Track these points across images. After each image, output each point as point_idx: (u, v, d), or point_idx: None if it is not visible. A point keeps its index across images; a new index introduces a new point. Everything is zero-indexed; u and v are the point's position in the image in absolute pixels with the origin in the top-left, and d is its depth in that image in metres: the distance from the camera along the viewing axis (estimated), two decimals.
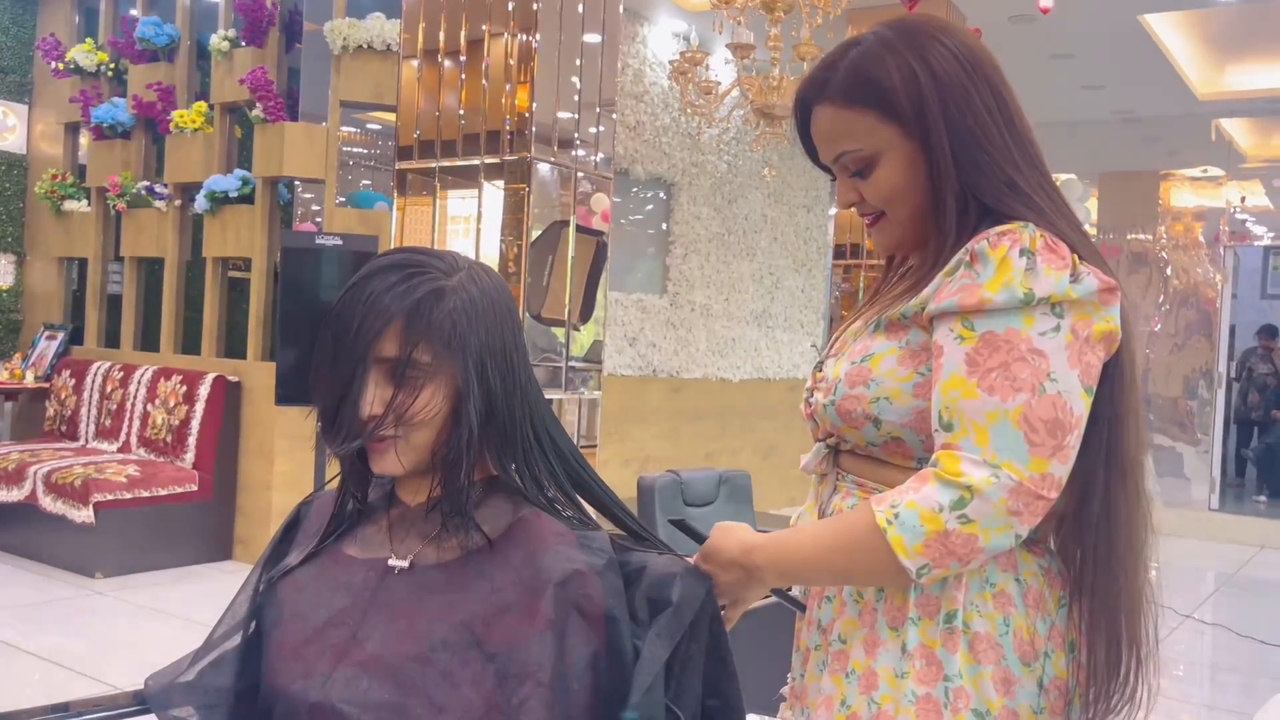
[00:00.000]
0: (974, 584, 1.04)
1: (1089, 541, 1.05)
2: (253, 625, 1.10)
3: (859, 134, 1.07)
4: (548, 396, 3.90)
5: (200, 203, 5.11)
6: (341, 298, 1.03)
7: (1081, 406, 0.97)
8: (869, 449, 1.09)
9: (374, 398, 1.00)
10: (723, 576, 1.06)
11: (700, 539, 1.11)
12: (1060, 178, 8.03)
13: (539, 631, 0.99)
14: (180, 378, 4.99)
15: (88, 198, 5.88)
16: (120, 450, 5.15)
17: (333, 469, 1.13)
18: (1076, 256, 0.99)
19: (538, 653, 0.98)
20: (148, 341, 5.62)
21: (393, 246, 4.17)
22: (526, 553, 1.03)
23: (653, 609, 1.02)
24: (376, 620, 1.02)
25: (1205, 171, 7.95)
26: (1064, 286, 0.96)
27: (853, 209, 1.14)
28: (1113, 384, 1.03)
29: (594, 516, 1.12)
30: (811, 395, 1.16)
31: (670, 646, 1.01)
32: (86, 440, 5.38)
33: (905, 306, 1.05)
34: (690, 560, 1.08)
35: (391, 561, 1.06)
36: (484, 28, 3.86)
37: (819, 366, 1.18)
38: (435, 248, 1.11)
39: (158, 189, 5.45)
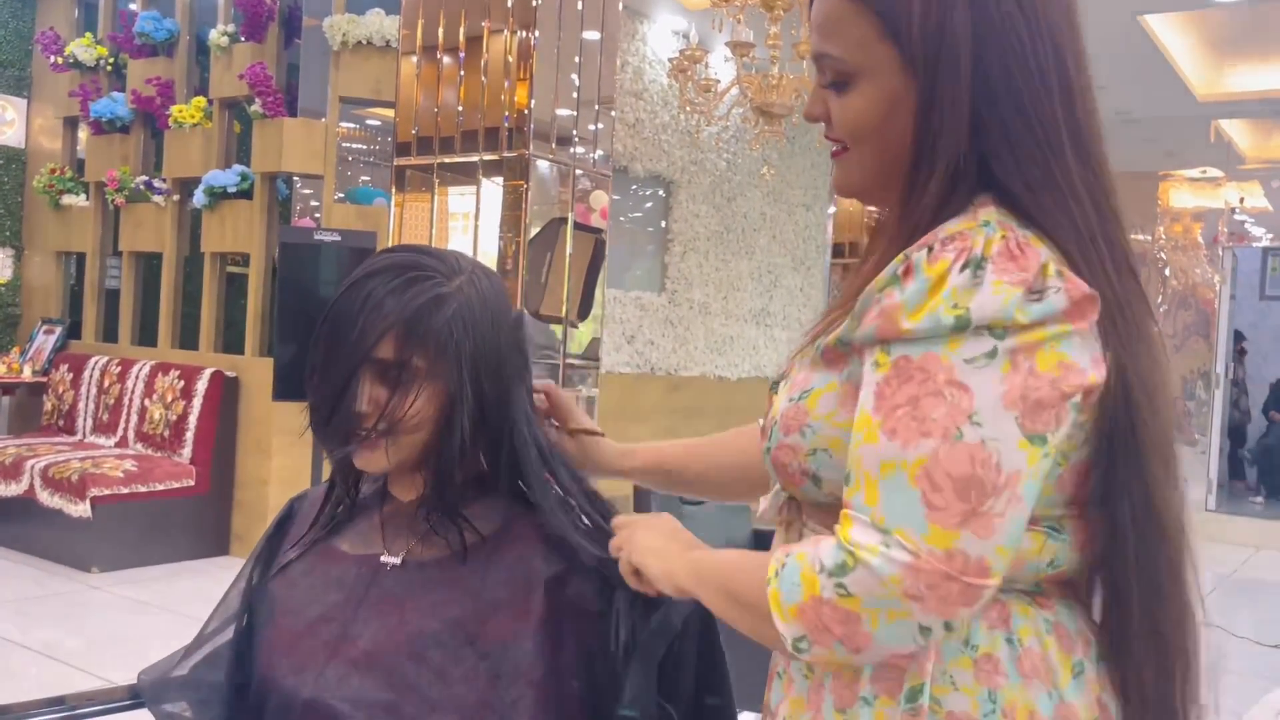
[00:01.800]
0: (948, 648, 0.79)
1: (1134, 654, 0.82)
2: (245, 620, 1.10)
3: (846, 40, 0.83)
4: None
5: (199, 198, 5.11)
6: (340, 295, 1.02)
7: (1018, 461, 0.72)
8: (828, 501, 0.84)
9: (362, 396, 1.00)
10: (644, 559, 0.93)
11: None
12: None
13: (531, 630, 0.99)
14: (178, 373, 4.99)
15: (86, 192, 5.87)
16: (117, 445, 5.15)
17: (329, 465, 1.13)
18: (1051, 265, 0.75)
19: (530, 651, 0.98)
20: (145, 336, 5.62)
21: (390, 243, 4.18)
22: (519, 551, 1.04)
23: (646, 608, 1.02)
24: (369, 616, 1.02)
25: (1204, 172, 7.96)
26: (1012, 308, 0.72)
27: (817, 125, 0.90)
28: (1113, 425, 0.78)
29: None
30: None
31: (664, 645, 1.01)
32: (84, 435, 5.37)
33: (842, 329, 0.81)
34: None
35: (384, 558, 1.06)
36: (483, 24, 3.86)
37: (774, 387, 0.94)
38: (435, 246, 1.09)
39: (156, 184, 5.45)
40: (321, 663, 1.01)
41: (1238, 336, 9.49)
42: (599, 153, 4.06)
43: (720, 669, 1.07)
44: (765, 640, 0.80)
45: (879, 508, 0.73)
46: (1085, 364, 0.75)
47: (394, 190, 4.15)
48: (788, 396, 0.87)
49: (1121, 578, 0.82)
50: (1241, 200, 8.20)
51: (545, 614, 0.99)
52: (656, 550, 0.93)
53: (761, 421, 0.96)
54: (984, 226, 0.76)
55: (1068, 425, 0.74)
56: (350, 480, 1.11)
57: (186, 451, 4.84)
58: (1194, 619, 0.84)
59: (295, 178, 5.10)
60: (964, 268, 0.74)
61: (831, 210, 7.63)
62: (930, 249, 0.76)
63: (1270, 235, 8.51)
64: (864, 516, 0.73)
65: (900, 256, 0.77)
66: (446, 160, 3.96)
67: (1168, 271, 8.02)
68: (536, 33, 3.74)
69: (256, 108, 4.88)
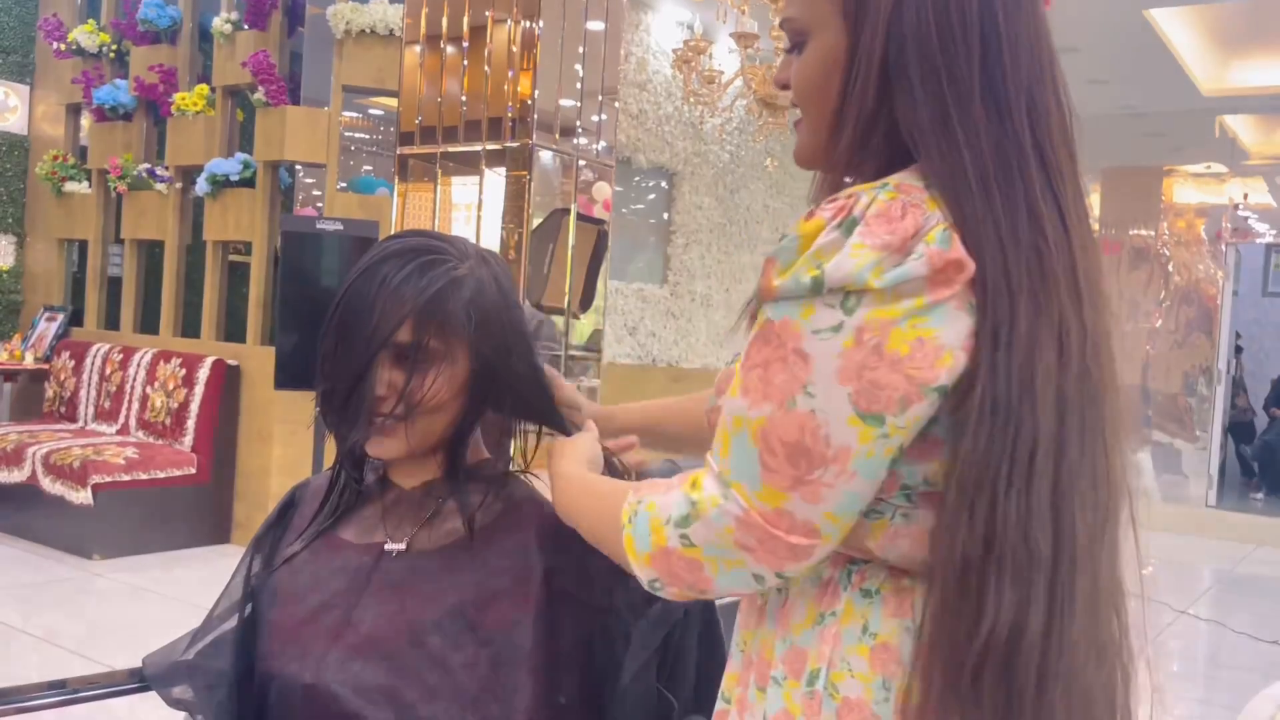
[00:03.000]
0: (847, 633, 0.78)
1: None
2: (249, 607, 1.10)
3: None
4: None
5: (201, 186, 5.11)
6: (353, 281, 1.02)
7: (848, 437, 0.71)
8: None
9: (379, 380, 1.00)
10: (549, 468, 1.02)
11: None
12: None
13: (531, 616, 0.99)
14: (180, 361, 4.99)
15: (89, 179, 5.87)
16: (119, 432, 5.15)
17: (331, 454, 1.13)
18: (936, 231, 0.71)
19: (530, 637, 0.98)
20: (147, 324, 5.62)
21: (393, 231, 4.17)
22: (520, 537, 1.04)
23: (647, 595, 1.03)
24: (370, 603, 1.03)
25: (1208, 168, 7.94)
26: (866, 271, 0.70)
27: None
28: (965, 415, 0.72)
29: None
30: None
31: (662, 633, 1.02)
32: (85, 422, 5.38)
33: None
34: None
35: (387, 546, 1.06)
36: (487, 13, 3.85)
37: None
38: (441, 232, 1.10)
39: (159, 171, 5.44)
40: (323, 649, 1.01)
41: (1234, 336, 9.50)
42: (602, 144, 4.05)
43: (721, 658, 1.07)
44: (626, 566, 0.83)
45: (726, 461, 0.75)
46: (950, 341, 0.71)
47: (396, 180, 4.15)
48: (729, 359, 0.89)
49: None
50: (1245, 196, 8.18)
51: (544, 602, 1.00)
52: (561, 475, 0.98)
53: None
54: (879, 188, 0.74)
55: (923, 407, 0.71)
56: (358, 466, 1.11)
57: (188, 439, 4.85)
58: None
59: (298, 166, 5.09)
60: (837, 227, 0.73)
61: None
62: (822, 205, 0.75)
63: (1274, 232, 8.50)
64: (715, 466, 0.76)
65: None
66: (449, 150, 3.96)
67: (1170, 267, 8.01)
68: (540, 22, 3.73)
69: (259, 96, 4.87)
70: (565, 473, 0.98)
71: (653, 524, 0.78)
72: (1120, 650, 0.80)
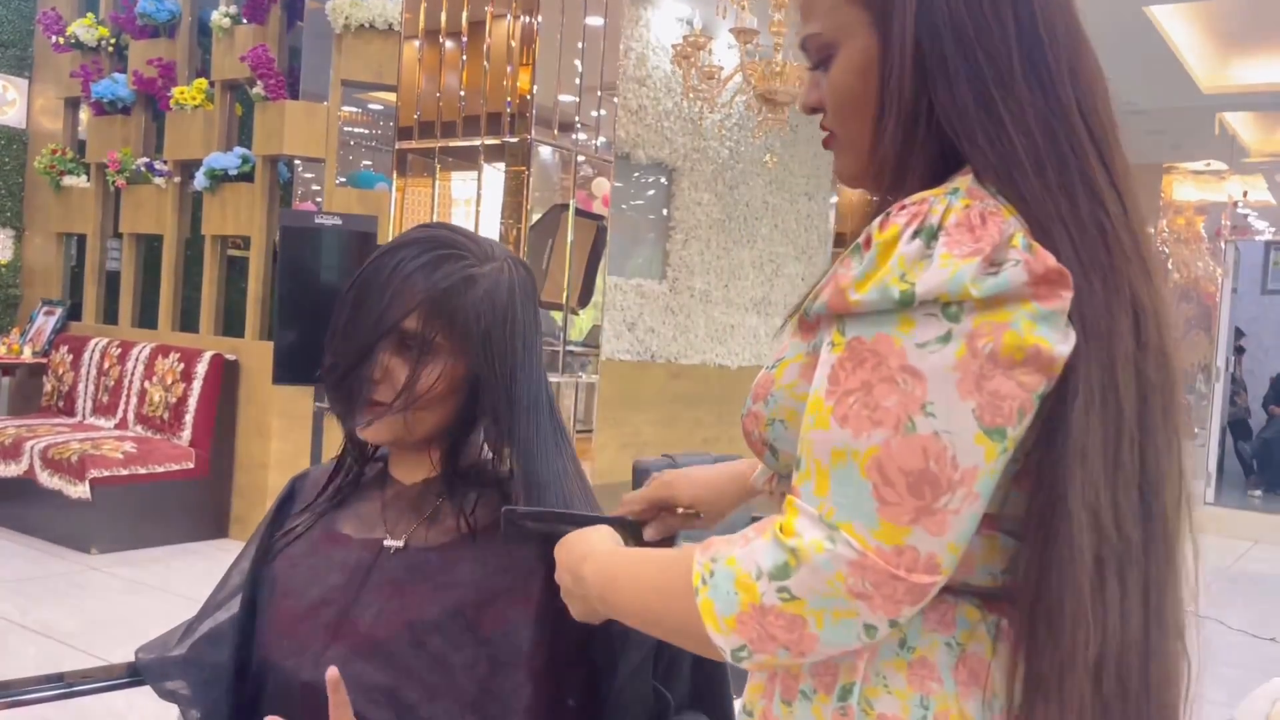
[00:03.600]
0: (883, 647, 0.74)
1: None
2: (246, 599, 1.10)
3: (822, 12, 0.80)
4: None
5: (200, 180, 5.10)
6: (371, 263, 1.01)
7: (976, 457, 0.66)
8: (788, 475, 0.77)
9: (379, 364, 1.00)
10: (562, 577, 0.88)
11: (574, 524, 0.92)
12: None
13: (531, 616, 0.99)
14: (178, 355, 4.99)
15: (87, 173, 5.86)
16: (117, 427, 5.15)
17: (328, 449, 1.13)
18: (1019, 236, 0.68)
19: (529, 638, 0.98)
20: (146, 319, 5.61)
21: (392, 228, 4.17)
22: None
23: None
24: (370, 600, 1.02)
25: (1208, 165, 7.93)
26: (962, 281, 0.66)
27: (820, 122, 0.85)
28: (1059, 424, 0.69)
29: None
30: None
31: None
32: (83, 416, 5.38)
33: (810, 300, 0.77)
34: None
35: (386, 542, 1.06)
36: (486, 9, 3.84)
37: None
38: (472, 231, 1.09)
39: (157, 166, 5.44)
40: (322, 645, 1.01)
41: (1236, 334, 9.50)
42: (601, 139, 4.05)
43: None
44: (696, 648, 0.73)
45: (828, 500, 0.68)
46: (1062, 351, 0.68)
47: (395, 175, 4.14)
48: (767, 363, 0.83)
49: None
50: (1245, 194, 8.17)
51: (544, 602, 0.99)
52: (566, 592, 0.88)
53: None
54: (950, 195, 0.70)
55: (1030, 417, 0.68)
56: (363, 450, 1.11)
57: (186, 434, 4.85)
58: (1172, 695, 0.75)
59: (296, 161, 5.08)
60: (915, 235, 0.68)
61: (834, 199, 7.62)
62: (889, 213, 0.71)
63: (1273, 229, 8.49)
64: (811, 508, 0.68)
65: (868, 226, 0.72)
66: (448, 145, 3.95)
67: (1170, 264, 8.01)
68: (539, 18, 3.73)
69: (258, 90, 4.87)
70: (597, 550, 0.85)
71: (739, 581, 0.68)
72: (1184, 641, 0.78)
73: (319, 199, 4.96)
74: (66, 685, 1.13)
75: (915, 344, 0.66)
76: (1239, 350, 9.55)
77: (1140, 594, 0.72)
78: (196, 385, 4.85)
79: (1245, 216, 8.46)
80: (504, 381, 1.01)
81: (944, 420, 0.66)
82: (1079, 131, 0.74)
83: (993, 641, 0.74)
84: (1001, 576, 0.74)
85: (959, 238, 0.67)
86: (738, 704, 0.92)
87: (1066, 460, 0.69)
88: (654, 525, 1.01)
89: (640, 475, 3.20)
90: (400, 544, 1.05)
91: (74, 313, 5.89)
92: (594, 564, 0.84)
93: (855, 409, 0.67)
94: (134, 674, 1.12)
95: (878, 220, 0.71)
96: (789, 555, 0.67)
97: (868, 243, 0.71)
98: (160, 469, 4.68)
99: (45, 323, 5.83)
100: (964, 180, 0.72)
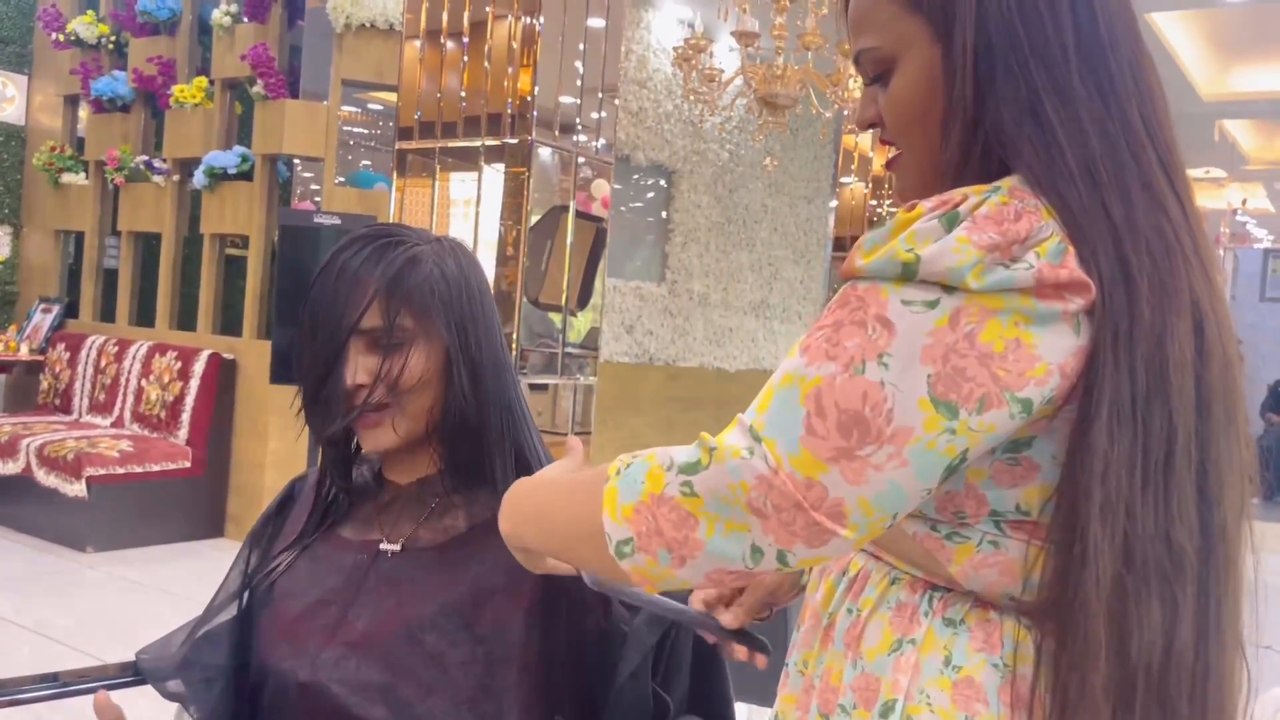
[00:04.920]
0: (927, 664, 0.73)
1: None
2: (245, 602, 1.09)
3: (879, 24, 0.78)
4: (544, 381, 3.91)
5: (199, 178, 5.09)
6: (317, 275, 1.02)
7: (913, 419, 0.64)
8: None
9: (357, 368, 0.99)
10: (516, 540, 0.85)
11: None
12: None
13: (526, 613, 0.99)
14: (175, 354, 4.98)
15: (86, 171, 5.85)
16: (114, 425, 5.14)
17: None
18: (1052, 242, 0.67)
19: (525, 635, 0.98)
20: (143, 317, 5.60)
21: None
22: None
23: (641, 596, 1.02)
24: (367, 600, 1.02)
25: (1207, 173, 7.95)
26: (966, 271, 0.65)
27: (876, 138, 0.85)
28: (1079, 440, 0.68)
29: None
30: None
31: (659, 632, 1.01)
32: (80, 414, 5.36)
33: None
34: None
35: (383, 544, 1.06)
36: (488, 9, 3.84)
37: None
38: (408, 225, 1.10)
39: (156, 164, 5.43)
40: (319, 645, 1.00)
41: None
42: (601, 141, 4.05)
43: (717, 658, 1.07)
44: (578, 544, 0.73)
45: (764, 415, 0.67)
46: (1048, 356, 0.66)
47: (395, 175, 4.14)
48: None
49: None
50: (1244, 201, 8.18)
51: (538, 599, 0.99)
52: (531, 478, 0.86)
53: None
54: (990, 191, 0.68)
55: (1000, 416, 0.65)
56: (342, 471, 1.10)
57: (183, 433, 4.84)
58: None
59: (296, 160, 5.08)
60: (937, 217, 0.67)
61: (833, 203, 7.62)
62: (917, 202, 0.70)
63: (1272, 237, 8.51)
64: (747, 419, 0.68)
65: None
66: (449, 145, 3.95)
67: None
68: (541, 19, 3.72)
69: (258, 89, 4.86)
70: (533, 476, 0.86)
71: (651, 471, 0.68)
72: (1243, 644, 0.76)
73: (318, 198, 4.95)
74: (61, 685, 1.12)
75: (901, 300, 0.66)
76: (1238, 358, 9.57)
77: (1195, 606, 0.70)
78: (194, 384, 4.84)
79: (1244, 224, 8.47)
80: (474, 342, 1.02)
81: (895, 374, 0.64)
82: (1140, 138, 0.73)
83: (1038, 664, 0.71)
84: (1043, 589, 0.72)
85: (984, 226, 0.66)
86: (743, 708, 0.91)
87: (1086, 479, 0.67)
88: (732, 611, 0.94)
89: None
90: (397, 546, 1.05)
91: (71, 310, 5.89)
92: (519, 484, 0.84)
93: (818, 341, 0.67)
94: (129, 674, 1.11)
95: (909, 203, 0.70)
96: (704, 453, 0.66)
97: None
98: (156, 468, 4.67)
99: (42, 320, 5.82)
100: (1009, 180, 0.71)
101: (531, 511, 0.81)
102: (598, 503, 0.69)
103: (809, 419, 0.65)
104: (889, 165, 0.82)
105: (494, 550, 1.02)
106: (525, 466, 1.05)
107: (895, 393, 0.64)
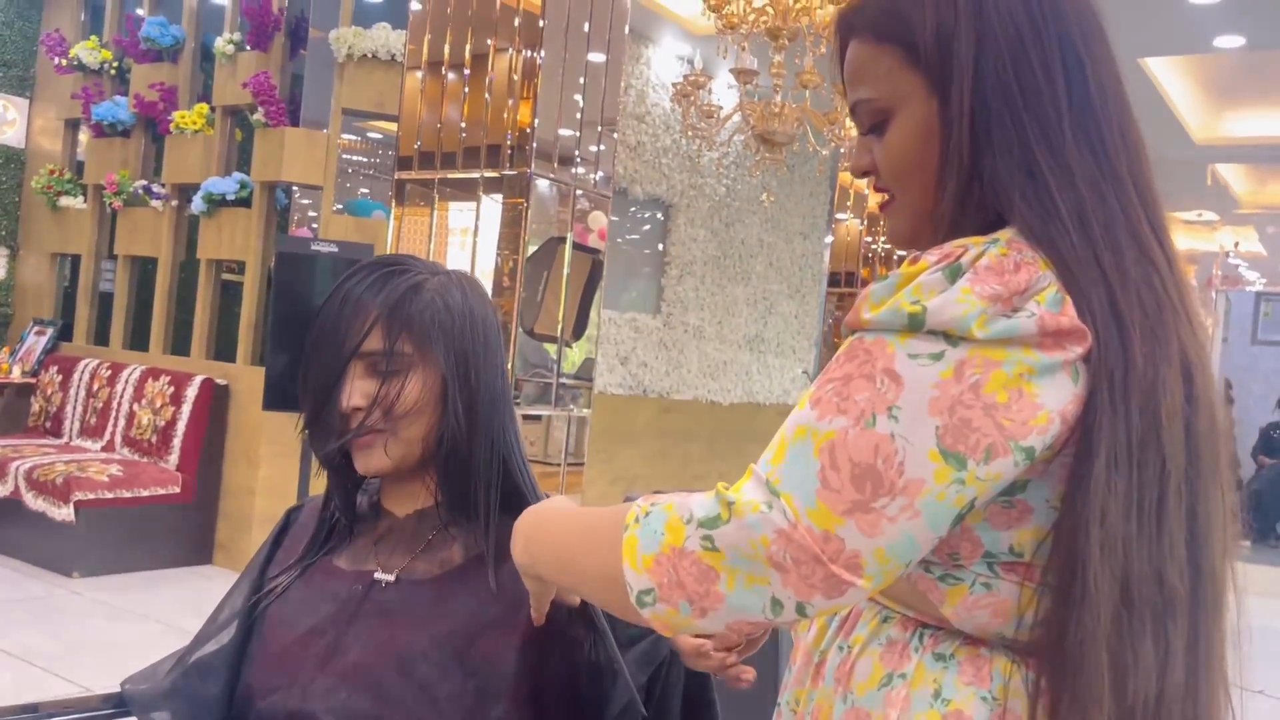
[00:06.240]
0: (917, 698, 0.75)
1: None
2: (237, 631, 1.08)
3: (877, 77, 0.81)
4: (537, 412, 3.91)
5: (197, 204, 5.11)
6: (322, 306, 1.03)
7: (924, 471, 0.66)
8: None
9: (354, 391, 1.00)
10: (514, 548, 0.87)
11: None
12: None
13: (519, 646, 0.98)
14: (168, 378, 4.96)
15: (84, 194, 5.86)
16: (104, 449, 5.11)
17: (318, 480, 1.12)
18: (1049, 292, 0.70)
19: (516, 668, 0.97)
20: (137, 341, 5.59)
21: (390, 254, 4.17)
22: (510, 567, 1.03)
23: (634, 632, 1.01)
24: (360, 631, 1.01)
25: (1200, 215, 8.01)
26: (971, 320, 0.67)
27: (869, 185, 0.86)
28: (1078, 483, 0.70)
29: None
30: None
31: (649, 670, 1.00)
32: (70, 438, 5.34)
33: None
34: None
35: (378, 575, 1.05)
36: (489, 42, 3.87)
37: None
38: (419, 257, 1.11)
39: (155, 189, 5.44)
40: (310, 675, 1.00)
41: (1225, 384, 9.54)
42: (600, 174, 4.07)
43: (708, 694, 1.06)
44: (600, 591, 0.75)
45: (779, 468, 0.68)
46: (1050, 404, 0.68)
47: (393, 204, 4.16)
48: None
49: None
50: (1236, 244, 8.24)
51: (532, 634, 0.98)
52: (539, 509, 0.87)
53: None
54: (990, 243, 0.71)
55: (1006, 464, 0.68)
56: (347, 495, 1.10)
57: (173, 458, 4.81)
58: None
59: (294, 187, 5.10)
60: (941, 270, 0.70)
61: (829, 239, 7.66)
62: (920, 254, 0.73)
63: (1263, 280, 8.56)
64: (762, 471, 0.69)
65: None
66: (448, 176, 3.97)
67: None
68: (542, 52, 3.75)
69: (259, 116, 4.89)
70: (539, 505, 0.87)
71: (670, 523, 0.69)
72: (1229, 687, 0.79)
73: (315, 225, 4.97)
74: (43, 716, 1.11)
75: (908, 353, 0.68)
76: (1228, 401, 9.58)
77: (1185, 643, 0.73)
78: (186, 409, 4.82)
79: (1236, 267, 8.52)
80: (473, 373, 1.02)
81: (905, 426, 0.67)
82: (1129, 192, 0.76)
83: (1031, 700, 0.73)
84: (1039, 628, 0.74)
85: (985, 278, 0.69)
86: None
87: (1086, 520, 0.69)
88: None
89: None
90: (391, 577, 1.04)
91: (65, 333, 5.87)
92: (531, 514, 0.84)
93: (828, 394, 0.69)
94: (112, 704, 1.10)
95: (911, 256, 0.72)
96: (723, 508, 0.68)
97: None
98: (146, 493, 4.64)
99: (36, 342, 5.81)
100: (1006, 233, 0.73)
101: (548, 545, 0.82)
102: (617, 551, 0.70)
103: (824, 472, 0.67)
104: (882, 209, 0.85)
105: (487, 583, 1.02)
106: (513, 500, 1.05)
107: (906, 445, 0.66)
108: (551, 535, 0.81)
